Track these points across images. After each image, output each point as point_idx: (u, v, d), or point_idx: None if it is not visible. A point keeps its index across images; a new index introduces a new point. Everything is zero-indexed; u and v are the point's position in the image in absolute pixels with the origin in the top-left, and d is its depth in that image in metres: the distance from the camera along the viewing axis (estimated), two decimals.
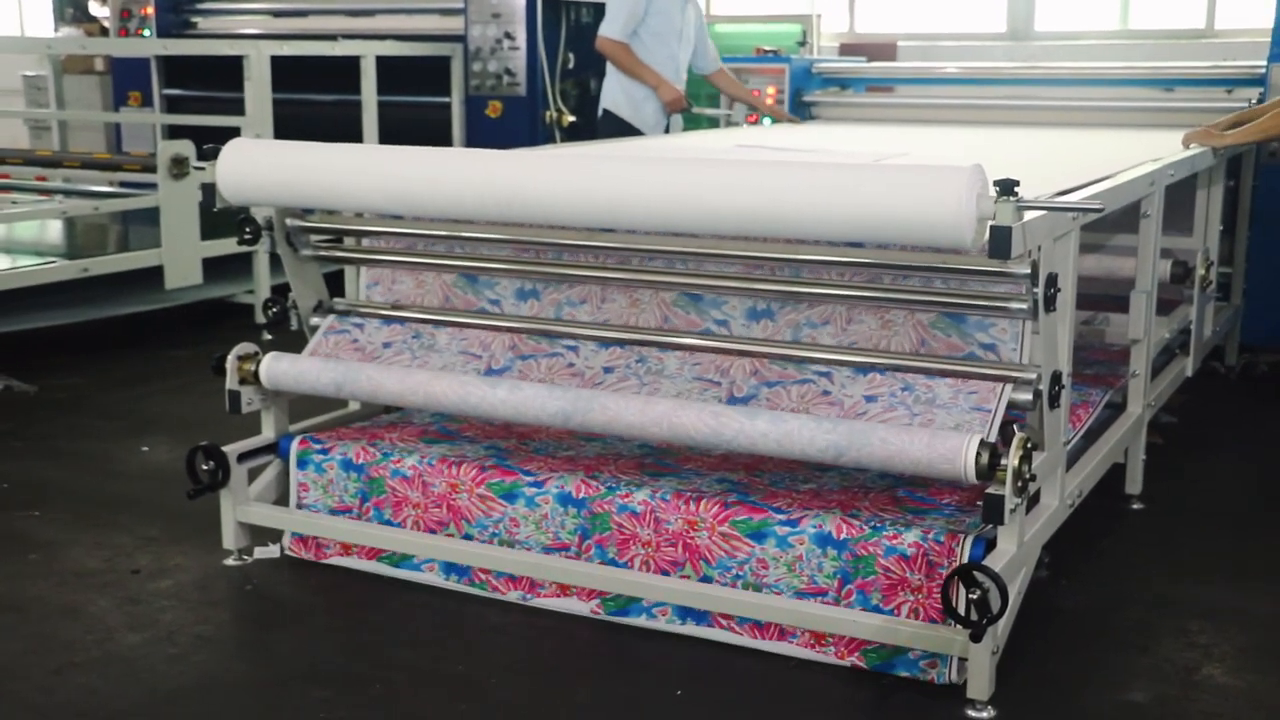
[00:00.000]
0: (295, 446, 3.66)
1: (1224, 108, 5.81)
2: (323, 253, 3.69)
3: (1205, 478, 4.43)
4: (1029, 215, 2.72)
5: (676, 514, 3.19)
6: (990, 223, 2.65)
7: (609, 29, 6.31)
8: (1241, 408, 5.31)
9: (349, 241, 3.75)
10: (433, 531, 3.48)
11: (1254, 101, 5.70)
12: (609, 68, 6.46)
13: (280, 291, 3.83)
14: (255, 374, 3.54)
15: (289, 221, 3.59)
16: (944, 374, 3.02)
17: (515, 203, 3.05)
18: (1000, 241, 2.64)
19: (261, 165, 3.35)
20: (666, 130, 6.43)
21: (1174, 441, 4.67)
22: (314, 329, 3.74)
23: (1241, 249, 5.68)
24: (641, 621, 3.21)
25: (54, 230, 6.73)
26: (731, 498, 3.17)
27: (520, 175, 3.07)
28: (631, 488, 3.25)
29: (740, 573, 3.13)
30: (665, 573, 3.19)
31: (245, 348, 3.56)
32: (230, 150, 3.37)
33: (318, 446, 3.63)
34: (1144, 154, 4.29)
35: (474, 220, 3.38)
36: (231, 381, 3.55)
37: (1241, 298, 5.69)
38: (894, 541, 2.98)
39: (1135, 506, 4.10)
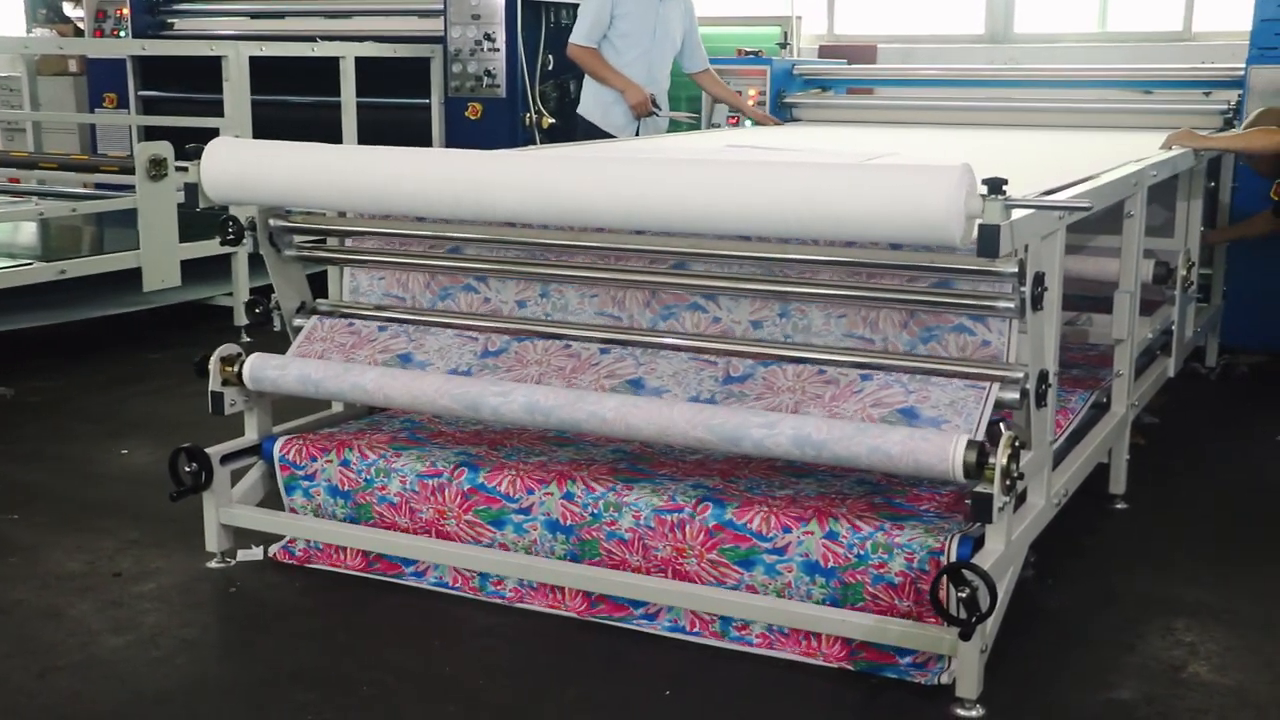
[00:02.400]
0: (280, 474, 3.63)
1: (1202, 109, 5.85)
2: (306, 253, 3.67)
3: (1188, 478, 4.44)
4: (1016, 214, 2.73)
5: (664, 541, 3.18)
6: (979, 221, 2.65)
7: (576, 35, 6.35)
8: (1223, 408, 5.34)
9: (332, 241, 3.72)
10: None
11: (1232, 103, 5.73)
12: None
13: (259, 293, 3.80)
14: (238, 375, 3.51)
15: (272, 221, 3.57)
16: (933, 373, 3.02)
17: (507, 203, 3.03)
18: (988, 240, 2.65)
19: (247, 164, 3.32)
20: (637, 134, 6.42)
21: (1156, 442, 4.68)
22: (297, 330, 3.71)
23: (1221, 250, 5.70)
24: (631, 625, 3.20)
25: (30, 232, 6.68)
26: (711, 518, 3.13)
27: (513, 176, 3.05)
28: (614, 512, 3.22)
29: None
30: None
31: (228, 349, 3.53)
32: (214, 149, 3.35)
33: (301, 472, 3.60)
34: (1124, 155, 4.31)
35: (464, 220, 3.36)
36: (214, 383, 3.52)
37: (1221, 299, 5.72)
38: (881, 571, 2.98)
39: (1119, 506, 4.11)
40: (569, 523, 3.28)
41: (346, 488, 3.55)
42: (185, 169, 3.41)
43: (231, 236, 3.54)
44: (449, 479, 3.42)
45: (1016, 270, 2.82)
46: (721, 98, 6.71)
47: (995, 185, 2.65)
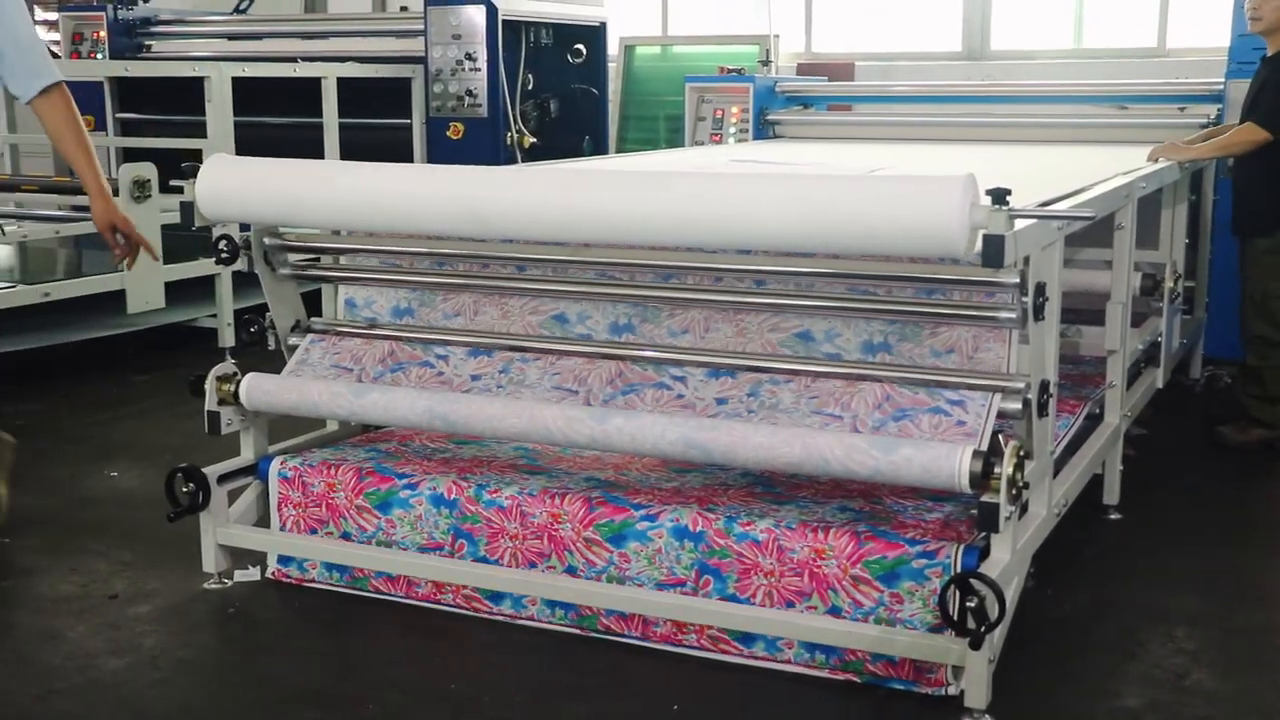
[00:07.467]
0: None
1: (1176, 124, 5.89)
2: (301, 272, 3.65)
3: (1179, 487, 4.47)
4: (1018, 224, 2.74)
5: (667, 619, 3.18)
6: (983, 231, 2.66)
7: None
8: (1208, 419, 5.36)
9: (326, 259, 3.70)
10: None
11: (1211, 117, 5.78)
12: None
13: (244, 314, 3.76)
14: (235, 394, 3.49)
15: (266, 240, 3.55)
16: (934, 384, 3.02)
17: (515, 219, 3.03)
18: (993, 250, 2.66)
19: (243, 182, 3.30)
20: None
21: (1145, 453, 4.69)
22: (292, 349, 3.69)
23: (1204, 262, 5.75)
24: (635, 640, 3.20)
25: (10, 255, 6.62)
26: (715, 591, 3.09)
27: (518, 192, 3.05)
28: (613, 581, 3.19)
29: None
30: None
31: (224, 368, 3.51)
32: (210, 167, 3.33)
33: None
34: (1107, 169, 4.33)
35: (466, 238, 3.36)
36: (211, 402, 3.49)
37: (1205, 311, 5.75)
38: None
39: (1113, 517, 4.12)
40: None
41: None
42: (180, 189, 3.39)
43: (225, 256, 3.51)
44: (450, 551, 3.38)
45: (1018, 281, 2.83)
46: (59, 143, 3.98)
47: (999, 196, 2.66)
